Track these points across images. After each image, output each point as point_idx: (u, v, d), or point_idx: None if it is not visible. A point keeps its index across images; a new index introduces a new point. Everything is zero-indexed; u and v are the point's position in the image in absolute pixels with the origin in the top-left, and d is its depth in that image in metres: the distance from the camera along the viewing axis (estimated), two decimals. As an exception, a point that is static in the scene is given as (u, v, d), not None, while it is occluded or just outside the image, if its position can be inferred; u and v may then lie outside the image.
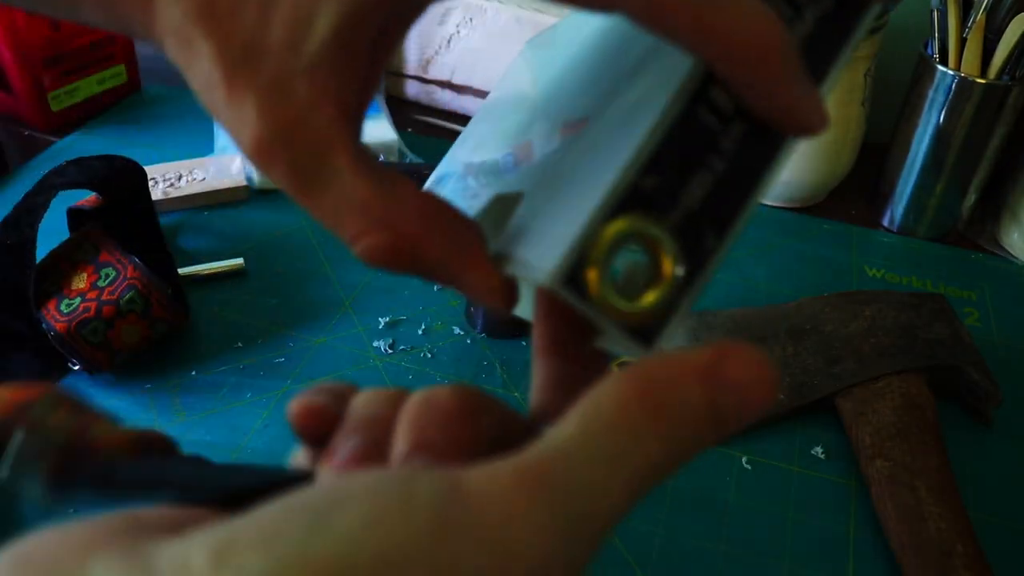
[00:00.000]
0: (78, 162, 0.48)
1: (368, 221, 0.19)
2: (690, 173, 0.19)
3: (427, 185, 0.38)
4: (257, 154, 0.19)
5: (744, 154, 0.19)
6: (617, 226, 0.18)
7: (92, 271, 0.45)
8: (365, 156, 0.20)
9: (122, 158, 0.49)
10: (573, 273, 0.18)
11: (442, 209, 0.20)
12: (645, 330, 0.18)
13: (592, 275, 0.18)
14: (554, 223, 0.19)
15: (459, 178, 0.31)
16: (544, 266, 0.18)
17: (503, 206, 0.23)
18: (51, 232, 0.48)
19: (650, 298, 0.18)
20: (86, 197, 0.50)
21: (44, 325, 0.43)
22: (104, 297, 0.44)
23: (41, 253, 0.46)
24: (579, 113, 0.23)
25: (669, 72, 0.19)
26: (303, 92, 0.19)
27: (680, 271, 0.18)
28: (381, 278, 0.54)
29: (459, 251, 0.20)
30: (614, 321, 0.18)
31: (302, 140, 0.19)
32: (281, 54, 0.18)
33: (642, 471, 0.15)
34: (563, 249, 0.18)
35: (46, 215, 0.45)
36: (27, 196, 0.45)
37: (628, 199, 0.18)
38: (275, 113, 0.19)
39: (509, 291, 0.20)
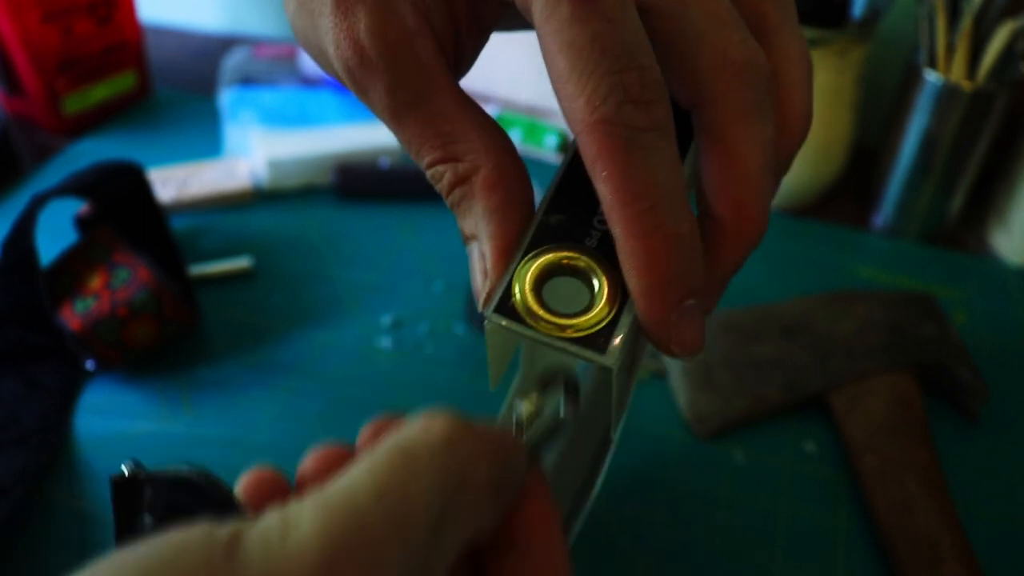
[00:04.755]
0: (71, 175, 0.48)
1: (449, 152, 0.20)
2: (595, 206, 0.20)
3: None
4: (360, 67, 0.20)
5: None
6: (537, 260, 0.20)
7: (106, 271, 0.46)
8: (463, 93, 0.21)
9: (114, 162, 0.49)
10: (504, 306, 0.19)
11: (518, 169, 0.20)
12: (593, 340, 0.19)
13: (522, 302, 0.19)
14: None
15: None
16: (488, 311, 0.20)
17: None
18: (63, 242, 0.50)
19: (594, 313, 0.19)
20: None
21: (58, 322, 0.45)
22: (118, 297, 0.45)
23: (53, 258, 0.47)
24: None
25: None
26: (409, 18, 0.19)
27: (607, 283, 0.20)
28: (385, 278, 0.55)
29: (507, 208, 0.20)
30: (555, 338, 0.19)
31: (407, 61, 0.20)
32: None
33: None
34: (498, 292, 0.20)
35: (56, 226, 0.46)
36: (20, 214, 0.45)
37: (540, 235, 0.20)
38: (384, 30, 0.19)
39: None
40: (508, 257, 0.20)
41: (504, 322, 0.19)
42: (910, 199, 0.61)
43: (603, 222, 0.20)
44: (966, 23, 0.54)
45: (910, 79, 0.58)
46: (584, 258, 0.20)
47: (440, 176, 0.20)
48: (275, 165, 0.62)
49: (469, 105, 0.20)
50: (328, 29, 0.20)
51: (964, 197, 0.61)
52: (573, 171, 0.21)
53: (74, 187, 0.48)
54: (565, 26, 0.17)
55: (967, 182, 0.60)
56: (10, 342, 0.45)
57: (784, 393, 0.45)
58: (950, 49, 0.55)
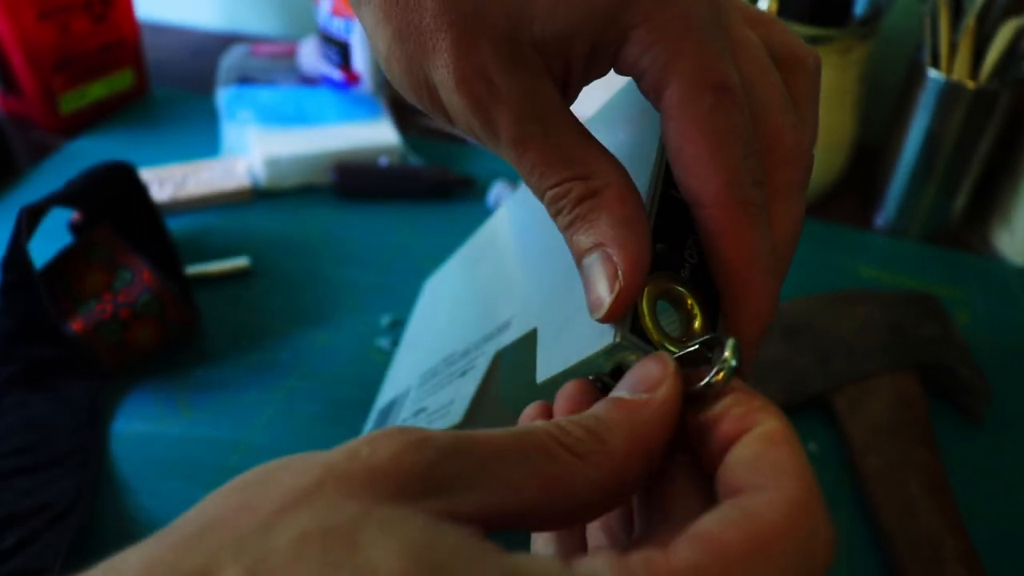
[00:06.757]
0: (64, 184, 0.47)
1: (577, 171, 0.21)
2: (684, 236, 0.22)
3: (377, 417, 0.41)
4: (488, 96, 0.20)
5: None
6: (651, 286, 0.21)
7: (107, 273, 0.46)
8: (584, 127, 0.22)
9: (105, 165, 0.49)
10: (635, 327, 0.21)
11: (634, 190, 0.22)
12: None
13: (649, 324, 0.21)
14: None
15: (419, 385, 0.35)
16: (609, 333, 0.20)
17: (522, 348, 0.26)
18: (59, 245, 0.49)
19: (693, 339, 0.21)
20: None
21: (68, 331, 0.44)
22: (120, 299, 0.45)
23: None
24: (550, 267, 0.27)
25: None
26: (534, 59, 0.21)
27: (700, 313, 0.22)
28: (384, 278, 0.55)
29: (639, 220, 0.21)
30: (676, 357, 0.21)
31: (535, 93, 0.21)
32: (516, 20, 0.20)
33: None
34: (630, 311, 0.21)
35: (52, 230, 0.45)
36: (13, 229, 0.44)
37: (653, 263, 0.21)
38: (516, 63, 0.20)
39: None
40: (642, 267, 0.20)
41: (631, 338, 0.20)
42: (912, 198, 0.61)
43: (692, 255, 0.22)
44: (969, 21, 0.53)
45: (913, 77, 0.58)
46: (681, 288, 0.22)
47: (567, 192, 0.21)
48: (273, 164, 0.61)
49: (592, 137, 0.22)
50: (447, 62, 0.21)
51: (967, 196, 0.61)
52: (662, 206, 0.23)
53: (64, 196, 0.47)
54: (708, 115, 0.20)
55: (970, 181, 0.60)
56: (27, 360, 0.44)
57: (786, 394, 0.45)
58: (953, 47, 0.55)
